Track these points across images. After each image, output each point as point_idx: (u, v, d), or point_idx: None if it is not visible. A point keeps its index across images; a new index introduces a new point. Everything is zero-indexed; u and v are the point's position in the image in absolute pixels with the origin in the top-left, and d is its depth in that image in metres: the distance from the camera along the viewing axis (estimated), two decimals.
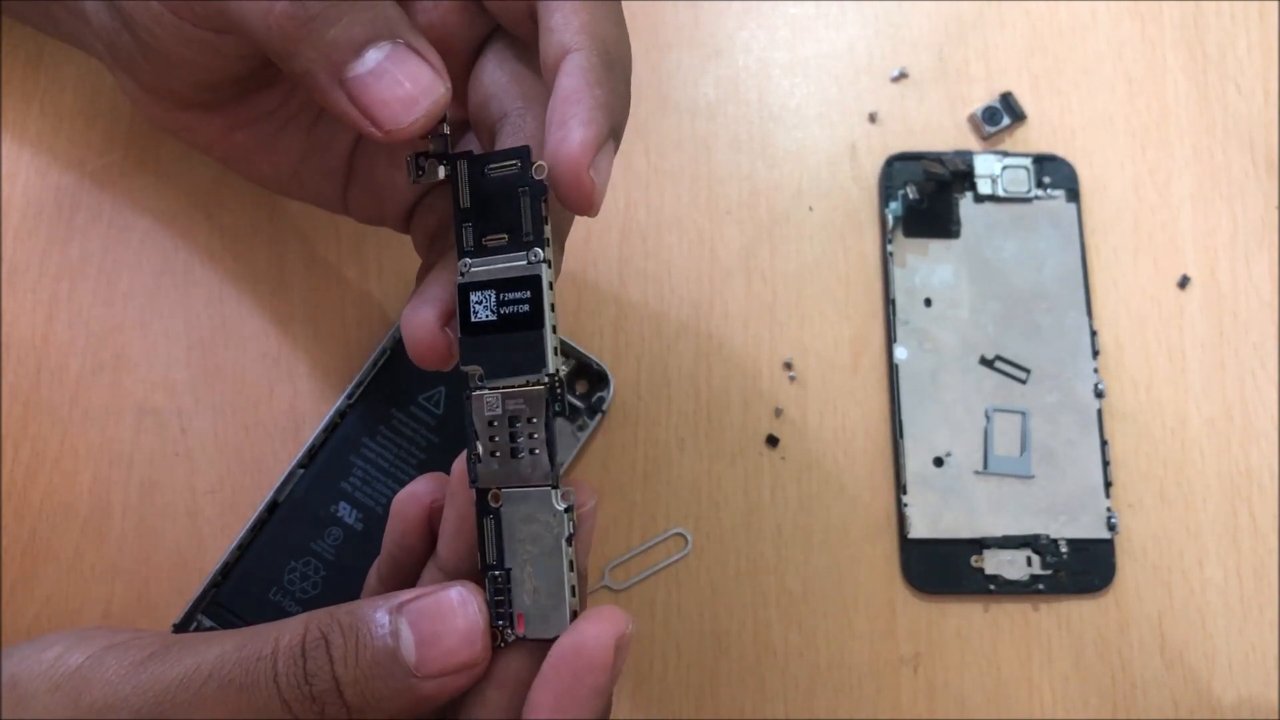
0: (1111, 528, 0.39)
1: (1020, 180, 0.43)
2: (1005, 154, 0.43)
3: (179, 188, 0.42)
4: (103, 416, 0.39)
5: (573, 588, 0.25)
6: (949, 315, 0.41)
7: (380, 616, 0.24)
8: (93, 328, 0.40)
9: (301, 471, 0.38)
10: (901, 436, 0.40)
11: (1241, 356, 0.41)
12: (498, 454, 0.26)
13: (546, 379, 0.26)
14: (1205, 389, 0.41)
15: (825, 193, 0.43)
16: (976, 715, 0.38)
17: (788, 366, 0.41)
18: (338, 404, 0.39)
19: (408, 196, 0.33)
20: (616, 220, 0.42)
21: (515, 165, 0.26)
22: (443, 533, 0.28)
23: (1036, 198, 0.42)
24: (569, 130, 0.25)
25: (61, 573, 0.38)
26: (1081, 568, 0.39)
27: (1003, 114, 0.43)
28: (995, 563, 0.39)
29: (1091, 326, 0.41)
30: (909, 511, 0.39)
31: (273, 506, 0.38)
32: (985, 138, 0.43)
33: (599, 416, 0.39)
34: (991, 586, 0.39)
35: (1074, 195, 0.43)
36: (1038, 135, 0.44)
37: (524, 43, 0.30)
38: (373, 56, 0.26)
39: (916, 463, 0.40)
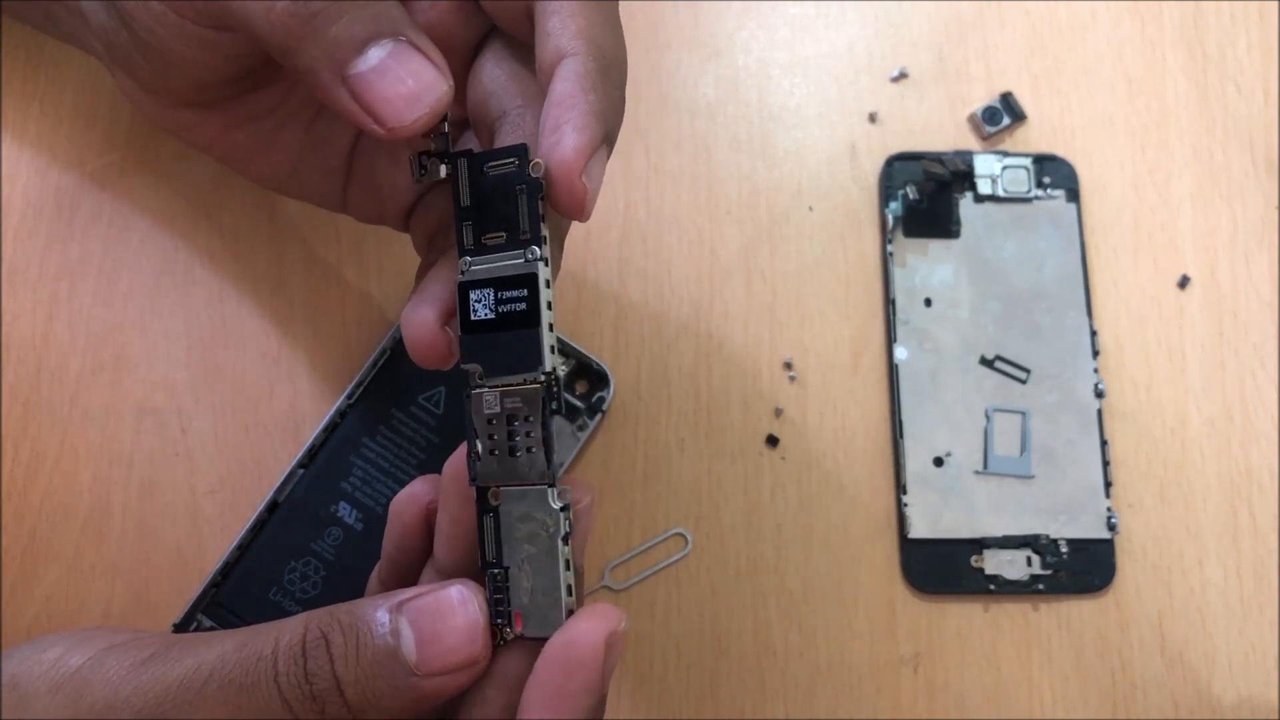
0: (1111, 528, 0.39)
1: (1020, 180, 0.43)
2: (1005, 154, 0.43)
3: (179, 188, 0.42)
4: (103, 416, 0.39)
5: (569, 586, 0.25)
6: (949, 315, 0.41)
7: (380, 615, 0.24)
8: (93, 328, 0.40)
9: (301, 471, 0.38)
10: (901, 436, 0.40)
11: (1241, 356, 0.41)
12: (496, 452, 0.26)
13: (543, 377, 0.26)
14: (1205, 389, 0.41)
15: (825, 193, 0.43)
16: (976, 715, 0.38)
17: (788, 366, 0.41)
18: (338, 404, 0.39)
19: (407, 195, 0.33)
20: (616, 220, 0.42)
21: (513, 163, 0.26)
22: (438, 536, 0.28)
23: (1036, 198, 0.42)
24: (562, 135, 0.25)
25: (61, 573, 0.38)
26: (1081, 568, 0.39)
27: (1003, 114, 0.43)
28: (995, 563, 0.39)
29: (1091, 326, 0.41)
30: (909, 511, 0.39)
31: (273, 506, 0.38)
32: (985, 138, 0.43)
33: (599, 416, 0.39)
34: (991, 586, 0.39)
35: (1074, 195, 0.43)
36: (1038, 135, 0.44)
37: (521, 42, 0.30)
38: (375, 54, 0.26)
39: (916, 463, 0.40)
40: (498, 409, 0.26)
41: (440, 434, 0.39)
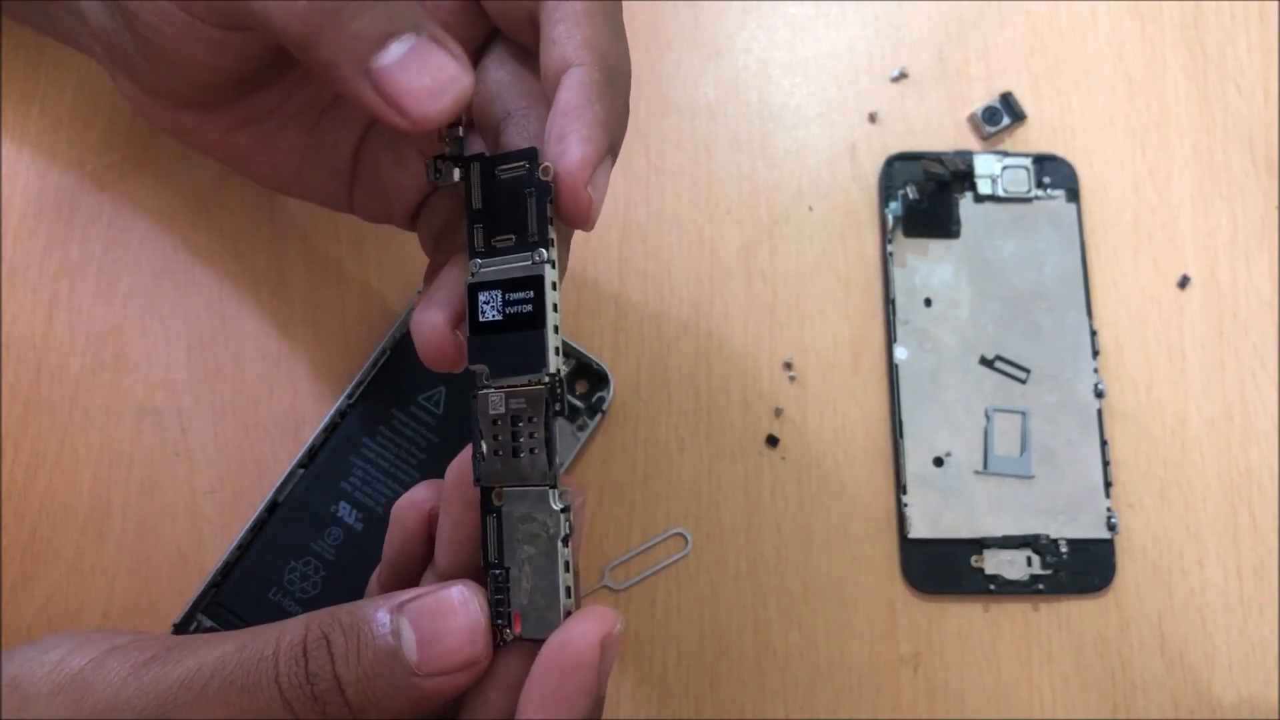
0: (1111, 528, 0.39)
1: (1020, 180, 0.43)
2: (1005, 154, 0.43)
3: (179, 188, 0.42)
4: (103, 416, 0.39)
5: (568, 588, 0.26)
6: (949, 315, 0.41)
7: (381, 616, 0.24)
8: (93, 328, 0.40)
9: (301, 471, 0.38)
10: (901, 436, 0.40)
11: (1241, 356, 0.41)
12: (500, 453, 0.26)
13: (547, 379, 0.26)
14: (1205, 389, 0.41)
15: (825, 193, 0.43)
16: (976, 715, 0.38)
17: (788, 366, 0.41)
18: (338, 404, 0.39)
19: (414, 196, 0.33)
20: (616, 220, 0.42)
21: (523, 166, 0.26)
22: (439, 539, 0.28)
23: (1036, 198, 0.42)
24: (567, 145, 0.26)
25: (61, 573, 0.38)
26: (1081, 568, 0.39)
27: (1003, 114, 0.43)
28: (995, 563, 0.39)
29: (1091, 326, 0.41)
30: (909, 511, 0.39)
31: (273, 506, 0.38)
32: (985, 138, 0.43)
33: (599, 416, 0.39)
34: (991, 586, 0.39)
35: (1074, 195, 0.43)
36: (1038, 135, 0.44)
37: (524, 45, 0.30)
38: (397, 48, 0.26)
39: (916, 463, 0.40)
40: (502, 410, 0.26)
41: (440, 434, 0.39)
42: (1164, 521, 0.40)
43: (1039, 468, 0.40)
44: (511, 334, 0.26)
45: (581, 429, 0.39)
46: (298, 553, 0.38)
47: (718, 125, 0.44)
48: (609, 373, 0.40)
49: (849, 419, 0.41)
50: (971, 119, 0.44)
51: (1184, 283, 0.42)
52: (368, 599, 0.25)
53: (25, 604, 0.38)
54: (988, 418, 0.40)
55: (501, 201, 0.27)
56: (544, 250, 0.26)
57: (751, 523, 0.40)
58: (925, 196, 0.42)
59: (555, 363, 0.26)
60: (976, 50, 0.44)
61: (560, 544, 0.25)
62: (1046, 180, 0.43)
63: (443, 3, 0.30)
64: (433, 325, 0.28)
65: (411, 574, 0.29)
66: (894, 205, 0.42)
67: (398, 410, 0.39)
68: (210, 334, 0.40)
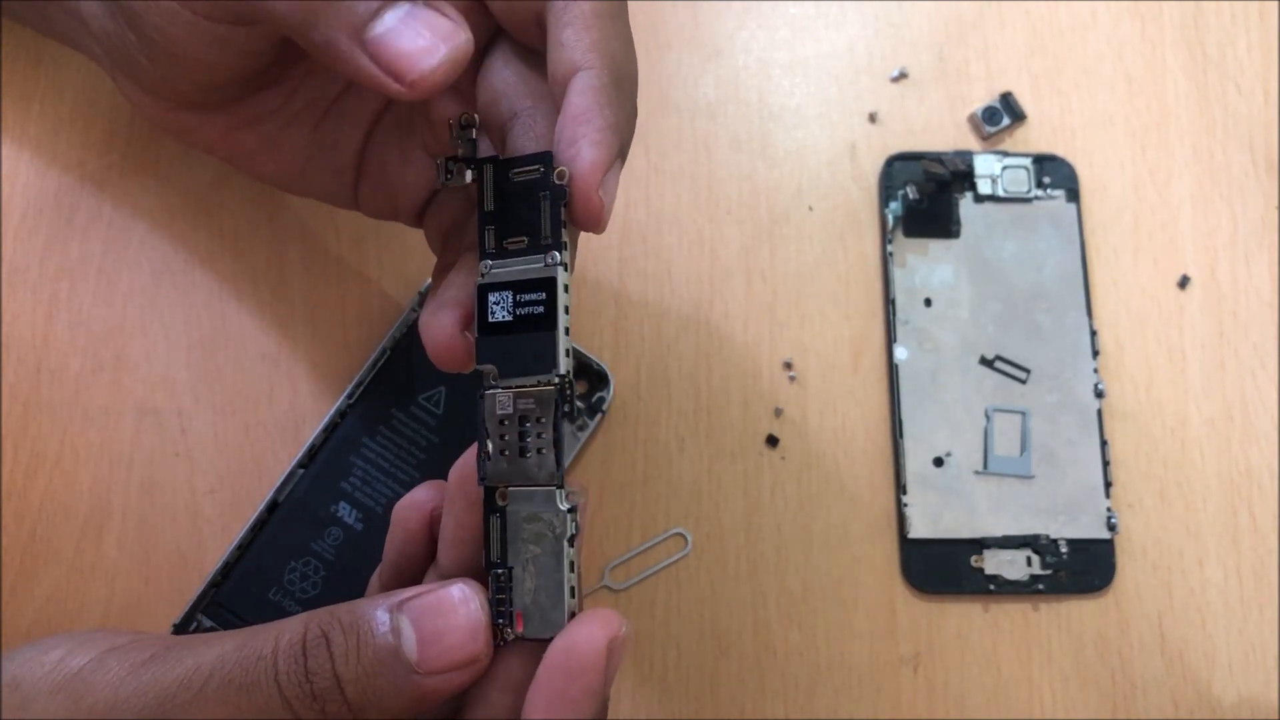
0: (1111, 528, 0.39)
1: (1020, 180, 0.43)
2: (1005, 154, 0.43)
3: (179, 188, 0.42)
4: (103, 416, 0.39)
5: (572, 588, 0.25)
6: (949, 315, 0.41)
7: (381, 614, 0.24)
8: (93, 328, 0.40)
9: (301, 471, 0.38)
10: (901, 436, 0.40)
11: (1241, 356, 0.41)
12: (506, 452, 0.26)
13: (557, 380, 0.26)
14: (1205, 389, 0.41)
15: (825, 193, 0.43)
16: (976, 715, 0.38)
17: (788, 366, 0.41)
18: (338, 404, 0.39)
19: (421, 193, 0.33)
20: (616, 220, 0.42)
21: (538, 169, 0.27)
22: (442, 539, 0.28)
23: (1036, 198, 0.42)
24: (579, 150, 0.26)
25: (61, 573, 0.38)
26: (1081, 568, 0.39)
27: (1003, 114, 0.43)
28: (995, 563, 0.39)
29: (1091, 326, 0.41)
30: (909, 511, 0.39)
31: (273, 506, 0.38)
32: (985, 138, 0.43)
33: (599, 416, 0.39)
34: (991, 586, 0.39)
35: (1074, 195, 0.43)
36: (1038, 135, 0.44)
37: (530, 45, 0.30)
38: (391, 16, 0.26)
39: (916, 463, 0.40)
40: (510, 410, 0.26)
41: (440, 434, 0.39)
42: (1164, 521, 0.40)
43: (1039, 468, 0.40)
44: (521, 335, 0.26)
45: (581, 429, 0.39)
46: (298, 553, 0.38)
47: (718, 125, 0.44)
48: (609, 373, 0.40)
49: (849, 419, 0.41)
50: (971, 119, 0.44)
51: (1184, 283, 0.42)
52: (367, 598, 0.25)
53: (25, 604, 0.38)
54: (988, 418, 0.40)
55: (514, 204, 0.27)
56: (557, 253, 0.26)
57: (751, 523, 0.40)
58: (925, 196, 0.42)
59: (566, 364, 0.26)
60: (976, 50, 0.44)
61: (566, 544, 0.26)
62: (1046, 180, 0.43)
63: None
64: (442, 326, 0.28)
65: (413, 574, 0.29)
66: (894, 205, 0.42)
67: (398, 410, 0.39)
68: (210, 334, 0.40)
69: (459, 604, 0.25)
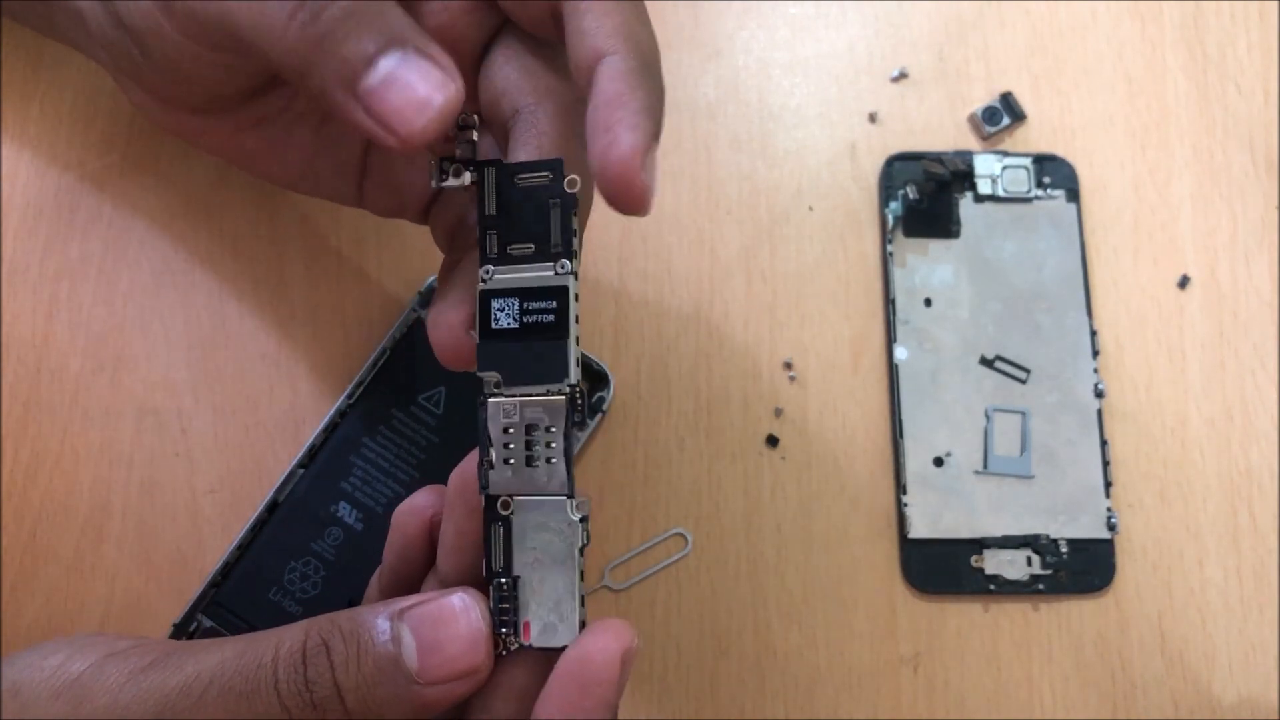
0: (1111, 528, 0.39)
1: (1020, 180, 0.43)
2: (1005, 154, 0.43)
3: (179, 188, 0.42)
4: (103, 417, 0.39)
5: (582, 598, 0.25)
6: (949, 315, 0.41)
7: (381, 623, 0.24)
8: (93, 328, 0.40)
9: (301, 471, 0.38)
10: (901, 436, 0.40)
11: (1241, 356, 0.41)
12: (512, 461, 0.26)
13: (568, 389, 0.26)
14: (1205, 389, 0.41)
15: (825, 193, 0.43)
16: (976, 715, 0.38)
17: (788, 366, 0.41)
18: (338, 404, 0.39)
19: (426, 190, 0.33)
20: (616, 220, 0.42)
21: (547, 177, 0.26)
22: (441, 546, 0.28)
23: (1036, 198, 0.42)
24: (617, 135, 0.25)
25: (61, 573, 0.38)
26: (1081, 568, 0.39)
27: (1003, 114, 0.43)
28: (995, 563, 0.39)
29: (1091, 326, 0.41)
30: (909, 511, 0.39)
31: (273, 506, 0.38)
32: (985, 138, 0.43)
33: (599, 416, 0.39)
34: (991, 586, 0.39)
35: (1074, 195, 0.43)
36: (1038, 135, 0.44)
37: (533, 38, 0.30)
38: (384, 65, 0.26)
39: (916, 463, 0.40)
40: (516, 418, 0.26)
41: (440, 434, 0.39)
42: (1164, 521, 0.40)
43: (1039, 468, 0.40)
44: (529, 342, 0.26)
45: (581, 429, 0.39)
46: (298, 553, 0.38)
47: (718, 125, 0.44)
48: (609, 373, 0.40)
49: (849, 419, 0.41)
50: (971, 119, 0.44)
51: (1184, 283, 0.42)
52: (367, 605, 0.25)
53: (25, 604, 0.38)
54: (988, 418, 0.40)
55: (519, 209, 0.27)
56: (568, 261, 0.26)
57: (751, 523, 0.40)
58: (925, 196, 0.42)
59: (577, 373, 0.26)
60: (976, 50, 0.44)
61: (578, 554, 0.25)
62: (1046, 180, 0.43)
63: (451, 2, 0.30)
64: (449, 325, 0.28)
65: (412, 580, 0.29)
66: (894, 205, 0.42)
67: (398, 410, 0.39)
68: (210, 334, 0.40)
69: (460, 613, 0.25)
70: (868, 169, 0.43)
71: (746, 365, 0.41)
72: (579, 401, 0.26)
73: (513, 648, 0.26)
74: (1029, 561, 0.39)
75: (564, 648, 0.25)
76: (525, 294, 0.26)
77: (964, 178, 0.42)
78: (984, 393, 0.41)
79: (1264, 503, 0.40)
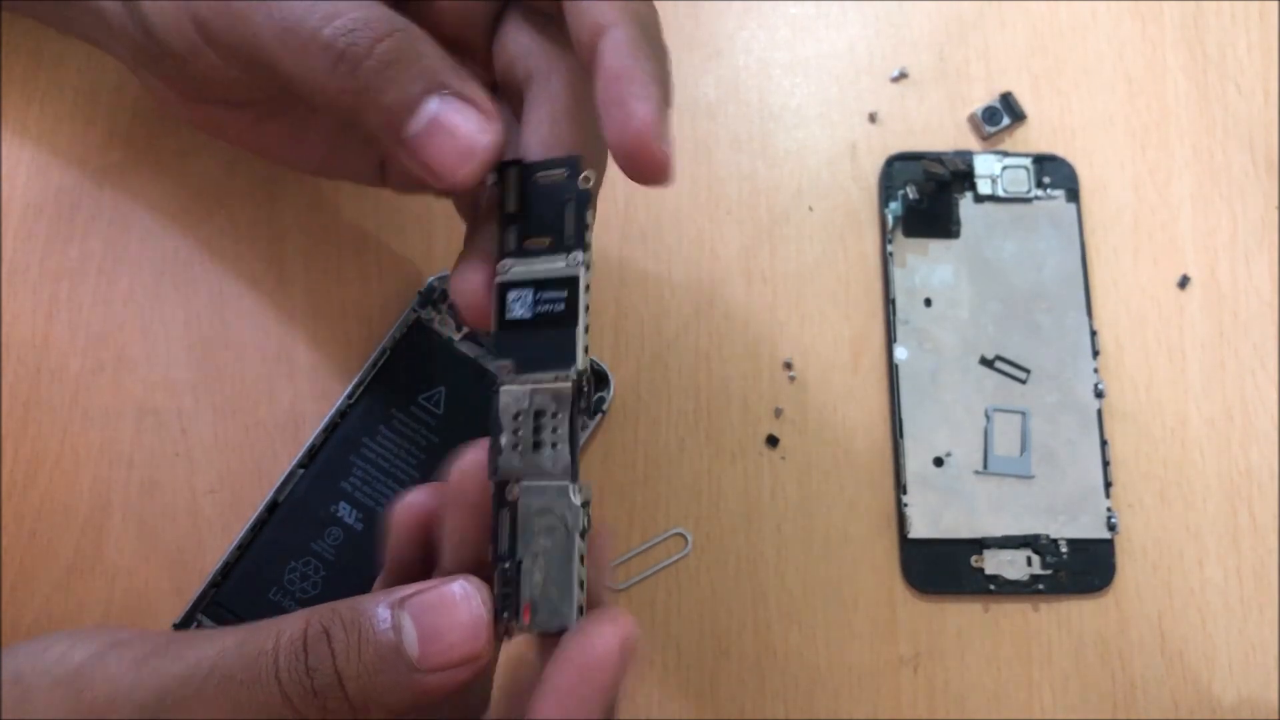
0: (1111, 528, 0.39)
1: (1020, 180, 0.43)
2: (1005, 154, 0.43)
3: (179, 188, 0.42)
4: (103, 417, 0.39)
5: (581, 581, 0.26)
6: (949, 315, 0.41)
7: (382, 611, 0.24)
8: (93, 328, 0.40)
9: (302, 471, 0.38)
10: (901, 436, 0.40)
11: (1241, 356, 0.41)
12: (519, 447, 0.26)
13: (575, 376, 0.26)
14: (1205, 389, 0.41)
15: (825, 193, 0.43)
16: (976, 715, 0.38)
17: (788, 366, 0.41)
18: (338, 404, 0.39)
19: None
20: (616, 220, 0.42)
21: (563, 174, 0.27)
22: (447, 543, 0.28)
23: (1036, 198, 0.42)
24: (630, 108, 0.26)
25: (61, 573, 0.38)
26: (1081, 568, 0.39)
27: (1003, 114, 0.43)
28: (995, 563, 0.39)
29: (1091, 326, 0.41)
30: (909, 511, 0.39)
31: (273, 506, 0.38)
32: (985, 138, 0.43)
33: (599, 416, 0.39)
34: (991, 586, 0.39)
35: (1074, 195, 0.43)
36: (1038, 135, 0.44)
37: (541, 8, 0.30)
38: (426, 113, 0.27)
39: (916, 463, 0.40)
40: (526, 405, 0.27)
41: (440, 434, 0.39)
42: (1164, 521, 0.40)
43: (1039, 468, 0.40)
44: (540, 331, 0.27)
45: (581, 429, 0.39)
46: (298, 553, 0.38)
47: (718, 125, 0.44)
48: (609, 373, 0.40)
49: (849, 419, 0.41)
50: (971, 119, 0.44)
51: (1184, 283, 0.42)
52: (368, 594, 0.25)
53: (25, 604, 0.38)
54: (988, 418, 0.40)
55: (538, 205, 0.28)
56: (580, 253, 0.27)
57: (751, 523, 0.40)
58: (925, 196, 0.42)
59: (584, 361, 0.26)
60: (976, 50, 0.44)
61: (578, 537, 0.26)
62: (1046, 180, 0.43)
63: None
64: (474, 283, 0.29)
65: (411, 578, 0.29)
66: (894, 205, 0.42)
67: (398, 410, 0.39)
68: (210, 334, 0.40)
69: (460, 600, 0.25)
70: (868, 169, 0.43)
71: (746, 365, 0.41)
72: (585, 389, 0.26)
73: (515, 632, 0.26)
74: (1029, 561, 0.39)
75: (560, 630, 0.25)
76: (539, 285, 0.27)
77: (964, 178, 0.42)
78: (984, 393, 0.41)
79: (1264, 503, 0.40)
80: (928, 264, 0.42)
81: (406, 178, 0.34)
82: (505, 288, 0.28)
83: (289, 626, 0.24)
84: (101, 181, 0.42)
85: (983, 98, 0.44)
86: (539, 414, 0.26)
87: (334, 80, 0.26)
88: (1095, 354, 0.41)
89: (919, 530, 0.39)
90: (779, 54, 0.45)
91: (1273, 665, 0.39)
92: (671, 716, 0.38)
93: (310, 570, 0.38)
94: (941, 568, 0.39)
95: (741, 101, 0.44)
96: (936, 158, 0.42)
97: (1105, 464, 0.40)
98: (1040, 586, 0.39)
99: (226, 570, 0.38)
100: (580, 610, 0.25)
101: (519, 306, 0.27)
